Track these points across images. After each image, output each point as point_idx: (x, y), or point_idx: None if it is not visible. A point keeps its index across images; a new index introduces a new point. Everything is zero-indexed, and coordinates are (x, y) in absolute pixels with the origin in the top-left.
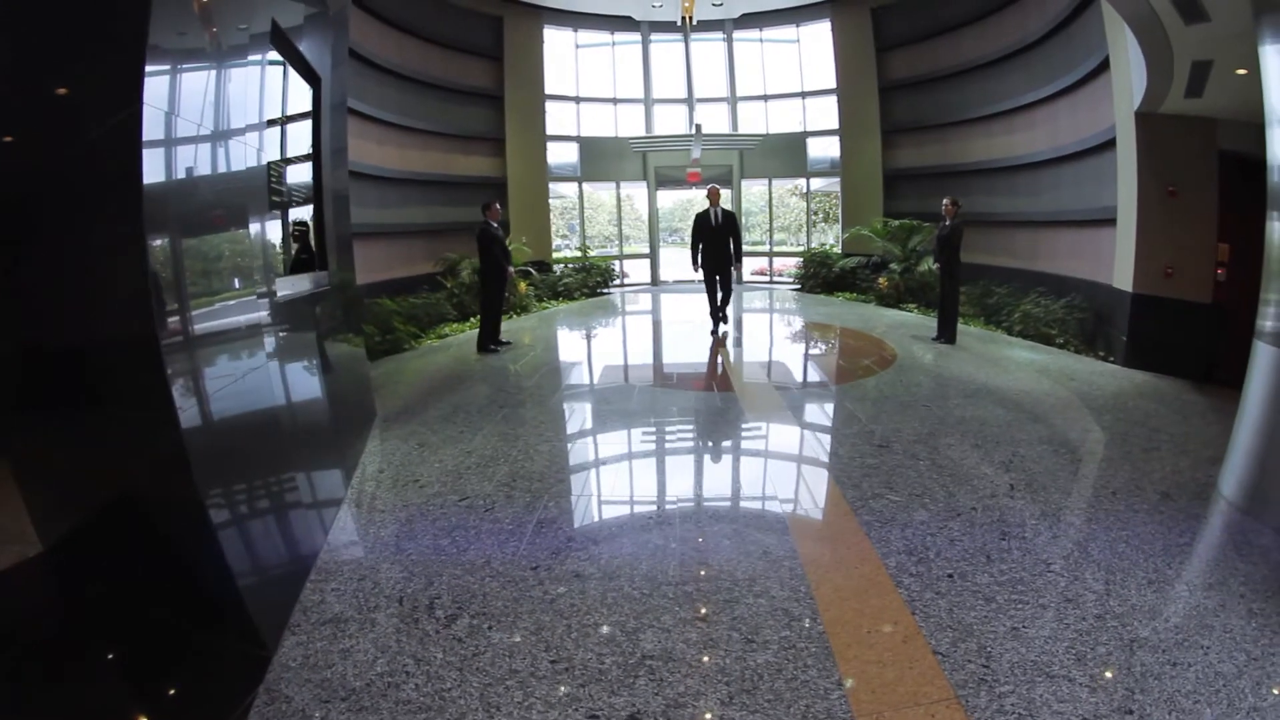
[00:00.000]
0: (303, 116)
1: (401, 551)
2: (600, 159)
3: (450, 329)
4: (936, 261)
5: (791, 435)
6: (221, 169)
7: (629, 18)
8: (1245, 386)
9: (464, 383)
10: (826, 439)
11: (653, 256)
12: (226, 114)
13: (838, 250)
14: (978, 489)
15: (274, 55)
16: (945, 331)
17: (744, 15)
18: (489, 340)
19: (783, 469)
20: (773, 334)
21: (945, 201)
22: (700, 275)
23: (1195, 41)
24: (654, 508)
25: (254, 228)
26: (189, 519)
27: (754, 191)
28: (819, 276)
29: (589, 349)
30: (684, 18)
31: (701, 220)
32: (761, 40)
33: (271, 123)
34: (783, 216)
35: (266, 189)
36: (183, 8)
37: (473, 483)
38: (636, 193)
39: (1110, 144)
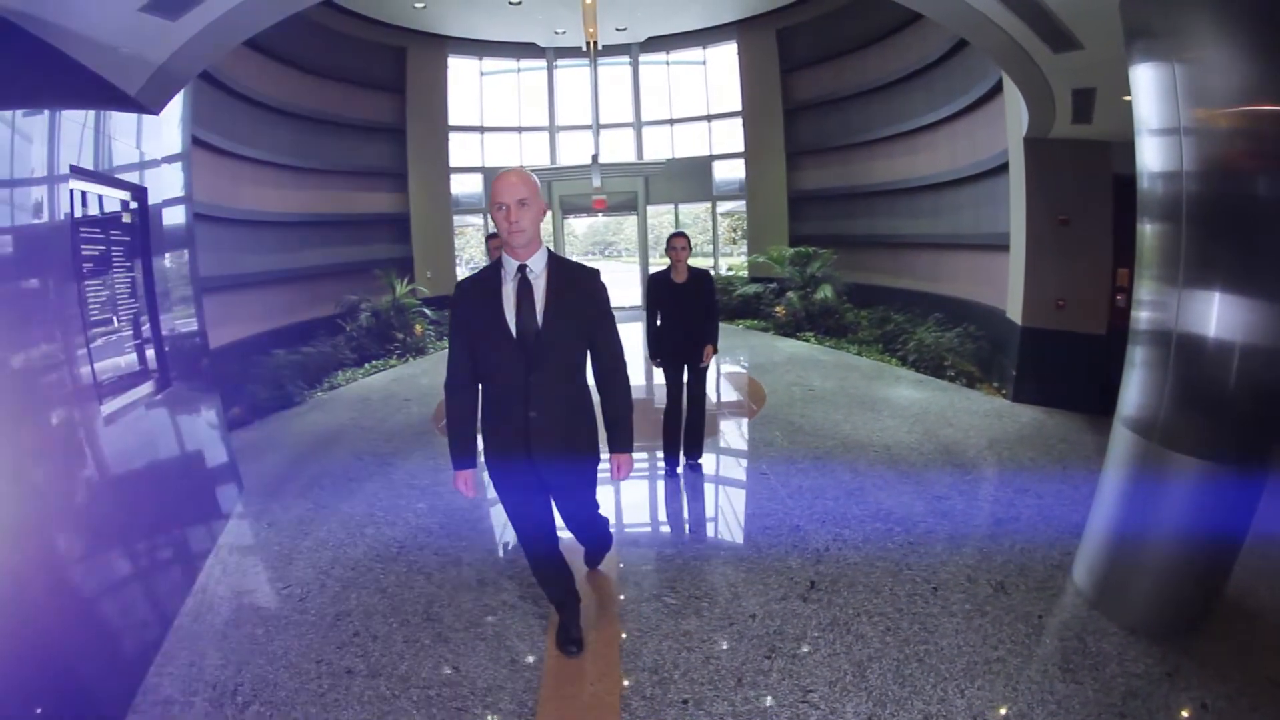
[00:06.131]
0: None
1: (226, 638)
2: None
3: (342, 377)
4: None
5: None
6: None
7: (533, 44)
8: (1104, 465)
9: (331, 447)
10: (631, 525)
11: None
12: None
13: (743, 274)
14: (770, 588)
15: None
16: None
17: (650, 39)
18: None
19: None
20: (648, 375)
21: (674, 238)
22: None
23: (1071, 69)
24: (440, 601)
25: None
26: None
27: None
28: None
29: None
30: (589, 43)
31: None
32: (668, 63)
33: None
34: (696, 237)
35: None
36: None
37: (299, 569)
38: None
39: (1004, 168)
